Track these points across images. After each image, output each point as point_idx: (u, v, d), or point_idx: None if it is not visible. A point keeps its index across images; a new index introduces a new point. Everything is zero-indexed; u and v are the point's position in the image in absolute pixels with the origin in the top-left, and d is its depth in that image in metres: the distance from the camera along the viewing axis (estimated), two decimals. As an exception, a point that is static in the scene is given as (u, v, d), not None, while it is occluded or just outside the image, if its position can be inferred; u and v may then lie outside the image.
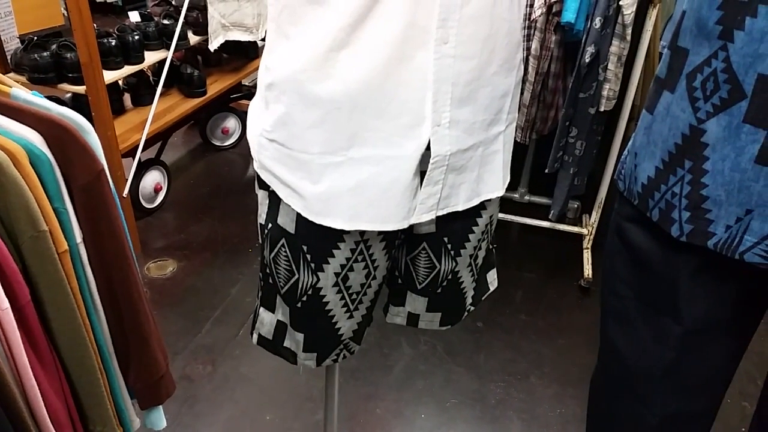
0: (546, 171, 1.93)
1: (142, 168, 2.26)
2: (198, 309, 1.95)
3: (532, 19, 1.67)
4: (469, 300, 1.00)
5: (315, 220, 0.78)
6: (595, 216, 2.22)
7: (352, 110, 0.71)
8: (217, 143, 2.94)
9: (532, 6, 1.66)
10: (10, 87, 0.92)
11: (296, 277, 0.85)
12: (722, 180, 0.62)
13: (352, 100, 0.70)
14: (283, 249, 0.84)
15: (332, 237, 0.80)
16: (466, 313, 1.01)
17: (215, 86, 2.57)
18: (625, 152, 0.77)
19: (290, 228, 0.82)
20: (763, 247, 0.61)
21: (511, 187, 2.35)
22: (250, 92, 3.22)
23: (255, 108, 0.84)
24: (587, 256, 2.17)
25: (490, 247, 1.01)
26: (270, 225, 0.86)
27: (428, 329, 1.02)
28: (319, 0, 0.67)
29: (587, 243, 2.21)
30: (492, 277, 1.06)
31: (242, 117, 3.01)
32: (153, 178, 2.34)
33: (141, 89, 2.32)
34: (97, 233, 0.94)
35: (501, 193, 0.88)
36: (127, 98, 2.35)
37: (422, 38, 0.67)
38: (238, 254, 2.22)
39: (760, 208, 0.60)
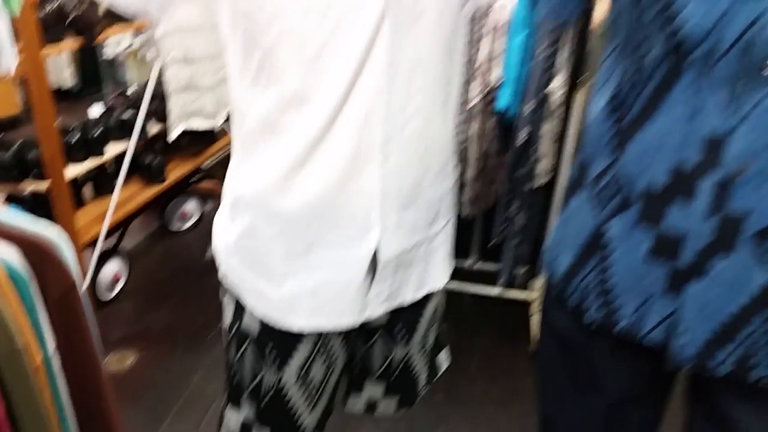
0: (491, 242, 2.05)
1: (102, 259, 2.29)
2: (159, 402, 1.94)
3: (470, 106, 1.83)
4: (423, 382, 1.07)
5: (278, 321, 0.86)
6: (542, 281, 2.34)
7: (309, 222, 0.80)
8: (176, 227, 2.99)
9: (470, 93, 1.82)
10: (-14, 206, 0.99)
11: (261, 375, 0.92)
12: (624, 272, 0.73)
13: (309, 214, 0.80)
14: (248, 350, 0.91)
15: (294, 335, 0.88)
16: (420, 395, 1.08)
17: (175, 172, 2.65)
18: (548, 244, 0.89)
19: (255, 330, 0.90)
20: (660, 333, 0.72)
21: (462, 256, 2.49)
22: (208, 174, 3.30)
23: (220, 220, 0.92)
24: (535, 321, 2.28)
25: (440, 330, 1.10)
26: (235, 328, 0.93)
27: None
28: (276, 131, 0.77)
29: (534, 309, 2.32)
30: (443, 358, 1.14)
31: (201, 200, 3.09)
32: (112, 268, 2.37)
33: (102, 179, 2.38)
34: (69, 342, 1.00)
35: (444, 283, 0.98)
36: (87, 188, 2.40)
37: (368, 157, 0.78)
38: (197, 341, 2.22)
39: (655, 297, 0.71)
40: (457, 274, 2.43)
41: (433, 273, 0.94)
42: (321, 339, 0.90)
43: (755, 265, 0.65)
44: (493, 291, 2.37)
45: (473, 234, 2.47)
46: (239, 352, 0.92)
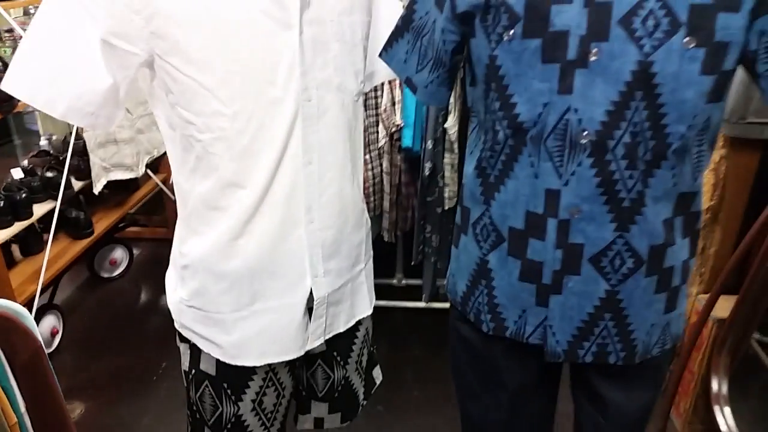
0: (412, 263, 2.27)
1: (39, 316, 2.32)
2: (114, 447, 2.02)
3: (379, 146, 2.03)
4: (361, 397, 1.25)
5: (232, 362, 1.02)
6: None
7: (252, 278, 0.97)
8: (106, 275, 3.03)
9: (378, 135, 2.03)
10: (-48, 290, 1.09)
11: (220, 409, 1.07)
12: (504, 292, 0.94)
13: (251, 271, 0.96)
14: (207, 389, 1.06)
15: (247, 372, 1.04)
16: (360, 408, 1.26)
17: (101, 223, 2.70)
18: (449, 272, 1.09)
19: (212, 371, 1.05)
20: (538, 335, 0.93)
21: (389, 275, 2.68)
22: (133, 219, 3.35)
23: (171, 281, 1.07)
24: (461, 327, 2.50)
25: (371, 349, 1.28)
26: (194, 371, 1.07)
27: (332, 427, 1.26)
28: (218, 207, 0.94)
29: (460, 316, 2.55)
30: (376, 373, 1.33)
31: (128, 246, 3.13)
32: (49, 323, 2.40)
33: (29, 239, 2.41)
34: (38, 401, 1.11)
35: (370, 312, 1.17)
36: (15, 249, 2.43)
37: (295, 222, 0.96)
38: (143, 384, 2.30)
39: (530, 309, 0.92)
40: (386, 293, 2.64)
41: (360, 305, 1.13)
42: (269, 372, 1.06)
43: (596, 280, 0.87)
44: (420, 304, 2.58)
45: (396, 255, 2.67)
46: (199, 392, 1.07)
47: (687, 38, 0.74)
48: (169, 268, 1.09)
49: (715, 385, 1.85)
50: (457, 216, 1.03)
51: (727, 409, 1.82)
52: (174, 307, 1.05)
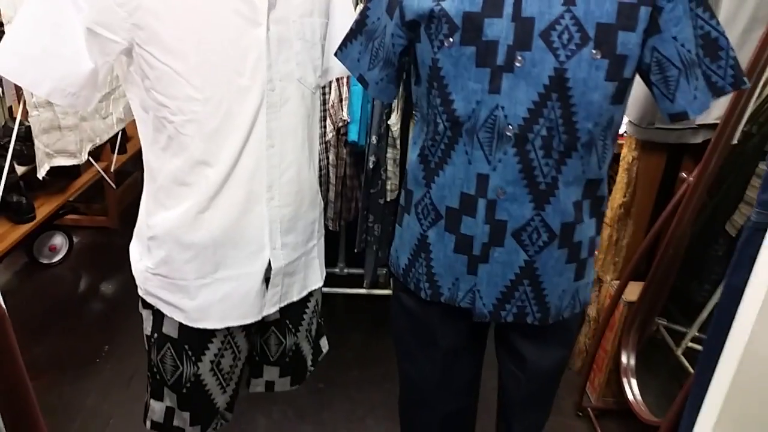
0: (355, 250, 2.40)
1: (-22, 299, 2.30)
2: (56, 426, 2.04)
3: (326, 139, 2.15)
4: (309, 362, 1.37)
5: (195, 325, 1.12)
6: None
7: (216, 248, 1.07)
8: (45, 261, 3.01)
9: (325, 129, 2.15)
10: None
11: (180, 369, 1.16)
12: (441, 263, 1.08)
13: (215, 242, 1.07)
14: (169, 350, 1.16)
15: (207, 335, 1.14)
16: (308, 373, 1.38)
17: (43, 209, 2.69)
18: (392, 249, 1.23)
19: (174, 334, 1.14)
20: (468, 299, 1.08)
21: (331, 264, 2.80)
22: (73, 207, 3.32)
23: (136, 251, 1.16)
24: (399, 312, 2.65)
25: (320, 320, 1.40)
26: (156, 335, 1.17)
27: (281, 392, 1.36)
28: (186, 183, 1.04)
29: (398, 302, 2.70)
30: (323, 343, 1.45)
31: (68, 233, 3.12)
32: (-12, 306, 2.38)
33: (-32, 223, 2.39)
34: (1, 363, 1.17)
35: (320, 284, 1.29)
36: (-47, 233, 2.40)
37: (257, 199, 1.07)
38: (86, 367, 2.32)
39: (462, 277, 1.07)
40: (328, 280, 2.76)
41: (312, 277, 1.25)
42: (228, 336, 1.17)
43: (517, 252, 1.03)
44: (361, 291, 2.71)
45: (339, 244, 2.79)
46: (160, 354, 1.16)
47: (594, 50, 0.90)
48: (133, 239, 1.18)
49: (624, 360, 2.08)
50: (402, 198, 1.17)
51: (634, 381, 2.05)
52: (139, 275, 1.14)
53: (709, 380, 0.88)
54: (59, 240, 3.07)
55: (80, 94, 0.96)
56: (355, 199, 2.38)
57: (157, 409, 1.23)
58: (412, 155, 1.11)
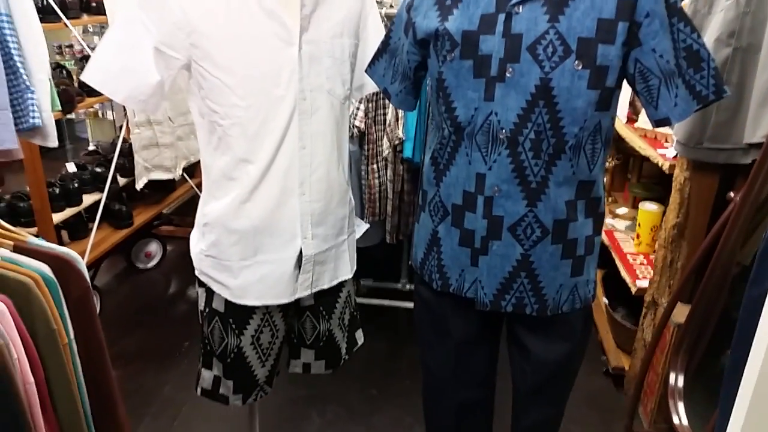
0: (410, 263, 2.52)
1: (80, 292, 2.64)
2: (134, 408, 2.29)
3: (384, 156, 2.32)
4: (344, 350, 1.52)
5: (237, 301, 1.30)
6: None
7: (255, 234, 1.25)
8: (141, 266, 3.36)
9: (383, 146, 2.32)
10: (26, 237, 1.40)
11: (226, 341, 1.34)
12: (449, 255, 1.20)
13: (255, 229, 1.25)
14: (217, 323, 1.34)
15: (248, 311, 1.32)
16: (342, 360, 1.52)
17: (140, 217, 3.04)
18: (413, 245, 1.36)
19: (221, 309, 1.33)
20: (472, 289, 1.19)
21: (394, 279, 2.94)
22: (168, 219, 3.69)
23: (194, 237, 1.36)
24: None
25: (354, 312, 1.55)
26: (207, 309, 1.36)
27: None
28: (232, 177, 1.23)
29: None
30: (359, 335, 1.59)
31: (163, 241, 3.47)
32: (89, 300, 2.72)
33: (77, 226, 2.75)
34: (84, 331, 1.40)
35: (351, 275, 1.43)
36: (64, 234, 2.77)
37: (291, 193, 1.24)
38: (166, 360, 2.58)
39: (467, 268, 1.18)
40: (391, 294, 2.90)
41: (342, 268, 1.40)
42: (266, 314, 1.34)
43: (513, 245, 1.13)
44: (419, 306, 2.82)
45: (402, 260, 2.93)
46: (210, 326, 1.35)
47: (576, 62, 1.01)
48: (193, 229, 1.38)
49: (672, 381, 2.05)
50: (419, 198, 1.30)
51: (681, 404, 2.02)
52: (195, 257, 1.34)
53: (735, 394, 0.90)
54: (154, 247, 3.42)
55: (149, 101, 1.18)
56: (413, 213, 2.52)
57: (207, 377, 1.42)
58: (426, 159, 1.25)
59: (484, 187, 1.10)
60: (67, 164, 2.78)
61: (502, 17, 1.03)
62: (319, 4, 1.20)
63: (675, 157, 2.14)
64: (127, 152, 2.90)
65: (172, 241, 3.68)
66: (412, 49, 1.17)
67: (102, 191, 2.67)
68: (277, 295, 1.30)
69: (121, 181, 2.89)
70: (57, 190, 2.47)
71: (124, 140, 2.82)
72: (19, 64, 1.26)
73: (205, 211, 1.29)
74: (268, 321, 1.34)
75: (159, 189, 3.29)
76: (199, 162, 3.42)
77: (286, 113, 1.18)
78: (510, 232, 1.12)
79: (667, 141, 2.29)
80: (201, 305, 1.38)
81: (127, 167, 2.90)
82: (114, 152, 2.76)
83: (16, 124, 1.31)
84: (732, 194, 1.89)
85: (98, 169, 2.76)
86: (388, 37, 1.25)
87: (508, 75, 1.04)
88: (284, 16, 1.14)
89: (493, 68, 1.05)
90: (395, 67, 1.24)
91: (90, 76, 1.16)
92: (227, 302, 1.31)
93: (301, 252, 1.28)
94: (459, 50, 1.07)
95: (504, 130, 1.06)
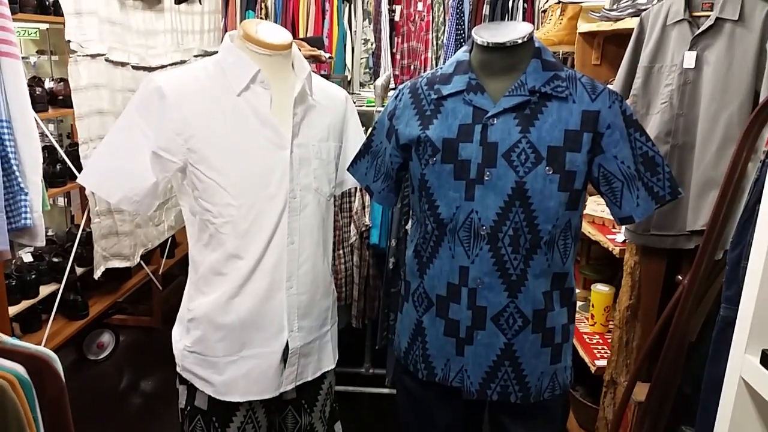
0: (376, 347, 2.55)
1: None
2: None
3: (351, 242, 2.39)
4: (324, 444, 1.51)
5: (221, 398, 1.29)
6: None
7: (242, 329, 1.27)
8: (93, 357, 3.23)
9: (350, 233, 2.39)
10: (1, 335, 1.37)
11: None
12: (434, 345, 1.25)
13: (242, 323, 1.27)
14: (199, 422, 1.33)
15: (232, 408, 1.31)
16: (323, 454, 1.51)
17: (95, 307, 2.96)
18: (395, 334, 1.40)
19: (204, 406, 1.32)
20: (458, 379, 1.23)
21: (357, 364, 2.93)
22: (121, 307, 3.59)
23: (177, 333, 1.36)
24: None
25: (334, 405, 1.55)
26: (189, 407, 1.34)
27: None
28: (221, 273, 1.26)
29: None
30: (338, 427, 1.59)
31: (116, 331, 3.36)
32: (39, 396, 2.59)
33: (30, 318, 2.65)
34: (57, 430, 1.36)
35: (333, 366, 1.46)
36: (16, 327, 2.66)
37: (278, 287, 1.28)
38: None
39: (452, 358, 1.23)
40: (354, 380, 2.88)
41: (326, 360, 1.43)
42: (249, 410, 1.33)
43: (497, 335, 1.19)
44: (385, 390, 2.82)
45: (365, 344, 2.94)
46: (192, 425, 1.33)
47: (547, 167, 1.12)
48: (175, 324, 1.38)
49: (636, 462, 2.10)
50: (402, 289, 1.36)
51: (647, 484, 2.06)
52: (178, 354, 1.34)
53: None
54: (107, 338, 3.30)
55: (143, 202, 1.22)
56: (378, 297, 2.56)
57: (188, 478, 1.38)
58: (409, 251, 1.32)
59: (467, 279, 1.18)
60: (22, 253, 2.71)
61: (478, 128, 1.14)
62: (308, 111, 1.29)
63: (624, 242, 2.29)
64: (85, 241, 2.86)
65: (124, 331, 3.56)
66: (395, 152, 1.27)
67: (58, 281, 2.61)
68: (263, 390, 1.31)
69: (79, 270, 2.82)
70: (14, 282, 2.40)
71: (83, 229, 2.79)
72: (15, 167, 1.28)
73: (191, 306, 1.31)
74: (251, 417, 1.34)
75: (115, 277, 3.22)
76: (155, 249, 3.40)
77: (277, 211, 1.24)
78: (493, 322, 1.18)
79: (614, 227, 2.46)
80: (182, 403, 1.36)
81: (84, 256, 2.85)
82: (69, 241, 2.71)
83: (7, 225, 1.31)
84: (680, 277, 2.03)
85: (56, 259, 2.70)
86: (370, 140, 1.35)
87: (486, 178, 1.14)
88: (277, 123, 1.22)
89: (472, 171, 1.15)
90: (377, 168, 1.33)
91: (86, 179, 1.20)
92: (211, 399, 1.31)
93: (287, 345, 1.30)
94: (440, 155, 1.17)
95: (485, 227, 1.15)
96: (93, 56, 2.55)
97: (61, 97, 2.68)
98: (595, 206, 2.45)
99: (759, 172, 1.37)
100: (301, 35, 4.27)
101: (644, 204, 1.15)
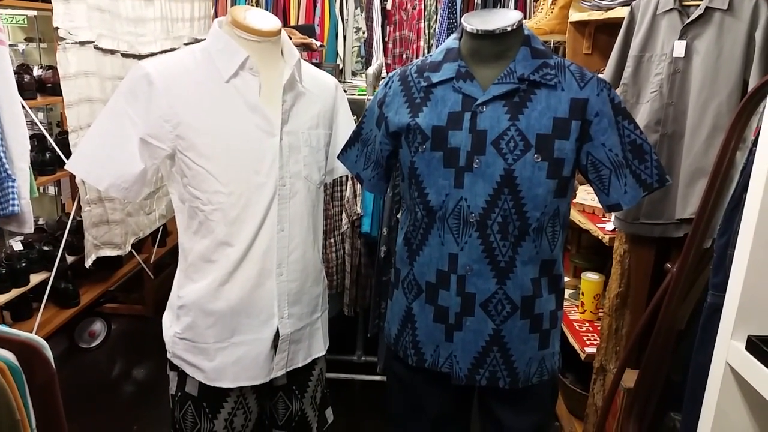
0: (368, 335, 2.56)
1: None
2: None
3: (342, 231, 2.39)
4: (315, 430, 1.52)
5: (212, 384, 1.30)
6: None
7: (232, 316, 1.28)
8: (84, 345, 3.23)
9: (341, 221, 2.39)
10: (-10, 323, 1.37)
11: (199, 425, 1.33)
12: (424, 332, 1.26)
13: (232, 310, 1.27)
14: (190, 408, 1.33)
15: (222, 394, 1.32)
16: (314, 440, 1.52)
17: (86, 296, 2.95)
18: (385, 321, 1.41)
19: (194, 392, 1.32)
20: (447, 364, 1.24)
21: (349, 352, 2.94)
22: (113, 296, 3.59)
23: (167, 320, 1.36)
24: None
25: (325, 391, 1.56)
26: (179, 393, 1.35)
27: None
28: (211, 260, 1.26)
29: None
30: (329, 413, 1.60)
31: (107, 319, 3.35)
32: (30, 384, 2.58)
33: (20, 306, 2.65)
34: (47, 418, 1.36)
35: (324, 352, 1.46)
36: (6, 316, 2.65)
37: (268, 274, 1.28)
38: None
39: (441, 344, 1.24)
40: (346, 367, 2.89)
41: (316, 346, 1.43)
42: (240, 396, 1.34)
43: (485, 320, 1.20)
44: (376, 378, 2.83)
45: (357, 332, 2.95)
46: (182, 411, 1.33)
47: (536, 155, 1.12)
48: (166, 311, 1.39)
49: (623, 447, 2.13)
50: (392, 276, 1.37)
51: (634, 469, 2.09)
52: (168, 340, 1.34)
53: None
54: (99, 326, 3.30)
55: (132, 189, 1.22)
56: (370, 286, 2.57)
57: (178, 464, 1.39)
58: (399, 239, 1.32)
59: (456, 266, 1.18)
60: (12, 242, 2.70)
61: (468, 115, 1.14)
62: (298, 99, 1.29)
63: (613, 230, 2.30)
64: (75, 229, 2.85)
65: (116, 319, 3.56)
66: (385, 140, 1.27)
67: (49, 270, 2.60)
68: (253, 376, 1.31)
69: (69, 259, 2.81)
70: (4, 270, 2.39)
71: (74, 218, 2.77)
72: (1, 154, 1.27)
73: (181, 293, 1.31)
74: (242, 403, 1.35)
75: (106, 266, 3.22)
76: (146, 238, 3.39)
77: (267, 198, 1.24)
78: (482, 308, 1.19)
79: (604, 216, 2.47)
80: (172, 389, 1.37)
81: (75, 245, 2.84)
82: (59, 229, 2.70)
83: (-6, 212, 1.30)
84: (669, 265, 2.05)
85: (46, 248, 2.69)
86: (360, 128, 1.34)
87: (475, 165, 1.14)
88: (267, 110, 1.22)
89: (461, 159, 1.15)
90: (367, 155, 1.33)
91: (74, 165, 1.19)
92: (201, 385, 1.31)
93: (277, 332, 1.31)
94: (430, 143, 1.17)
95: (474, 214, 1.15)
96: (82, 43, 2.52)
97: (49, 85, 2.66)
98: (586, 195, 2.46)
99: (747, 160, 1.38)
100: (293, 23, 4.24)
101: (632, 191, 1.16)
